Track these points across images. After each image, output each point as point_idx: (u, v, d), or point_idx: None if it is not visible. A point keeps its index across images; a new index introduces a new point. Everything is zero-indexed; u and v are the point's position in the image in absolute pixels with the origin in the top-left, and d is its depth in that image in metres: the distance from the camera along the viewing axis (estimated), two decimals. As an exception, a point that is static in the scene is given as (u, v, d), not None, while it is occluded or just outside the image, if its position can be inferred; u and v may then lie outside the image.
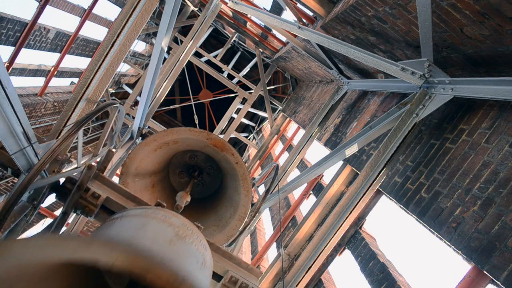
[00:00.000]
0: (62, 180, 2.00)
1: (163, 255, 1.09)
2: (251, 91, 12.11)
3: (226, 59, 14.78)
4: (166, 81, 5.82)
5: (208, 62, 12.51)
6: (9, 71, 6.74)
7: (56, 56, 8.18)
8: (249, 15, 9.24)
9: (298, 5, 6.12)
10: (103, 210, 2.15)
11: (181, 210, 2.55)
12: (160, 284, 0.75)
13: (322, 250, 3.13)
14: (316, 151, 65.01)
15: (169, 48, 10.95)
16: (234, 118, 12.87)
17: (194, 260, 1.28)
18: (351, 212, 3.05)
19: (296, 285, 3.22)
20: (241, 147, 16.26)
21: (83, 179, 1.94)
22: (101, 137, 2.34)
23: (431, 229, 2.59)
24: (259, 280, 2.31)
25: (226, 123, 12.71)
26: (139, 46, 13.23)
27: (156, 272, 0.75)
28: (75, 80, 10.15)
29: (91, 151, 11.36)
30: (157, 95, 5.90)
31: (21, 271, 0.82)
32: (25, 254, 0.76)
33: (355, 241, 3.86)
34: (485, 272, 2.05)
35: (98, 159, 2.47)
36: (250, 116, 15.75)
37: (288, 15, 5.85)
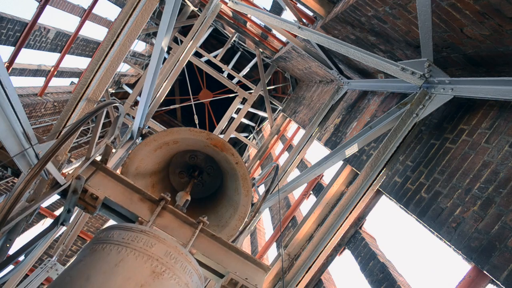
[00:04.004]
0: (61, 181, 2.00)
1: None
2: (251, 91, 12.11)
3: (226, 59, 14.77)
4: (166, 81, 5.81)
5: (208, 62, 12.51)
6: (9, 71, 6.74)
7: (56, 56, 8.18)
8: (249, 15, 9.24)
9: (298, 5, 6.12)
10: (104, 206, 2.16)
11: (181, 207, 2.55)
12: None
13: (322, 250, 3.13)
14: (316, 151, 65.02)
15: (169, 48, 10.95)
16: (234, 118, 12.87)
17: None
18: (351, 212, 3.05)
19: (296, 285, 3.22)
20: (241, 147, 16.26)
21: (76, 187, 1.95)
22: (91, 140, 2.35)
23: (431, 229, 2.59)
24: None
25: (226, 123, 12.71)
26: (139, 46, 13.23)
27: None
28: (75, 80, 10.15)
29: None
30: (157, 95, 5.90)
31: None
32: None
33: (355, 241, 3.85)
34: (485, 272, 2.05)
35: (98, 158, 2.47)
36: (250, 116, 15.75)
37: (288, 15, 5.85)
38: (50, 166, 1.91)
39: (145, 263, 1.36)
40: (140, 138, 5.67)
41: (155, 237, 1.52)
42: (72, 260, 6.98)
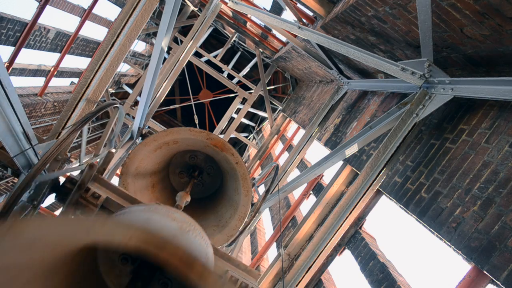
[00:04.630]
0: (62, 180, 2.00)
1: (174, 239, 1.12)
2: (251, 91, 12.11)
3: (226, 59, 14.77)
4: (166, 81, 5.82)
5: (208, 62, 12.51)
6: (9, 71, 6.74)
7: (56, 56, 8.18)
8: (249, 15, 9.24)
9: (298, 5, 6.12)
10: (103, 210, 2.15)
11: (181, 209, 2.55)
12: (174, 262, 0.77)
13: (322, 250, 3.13)
14: (316, 151, 65.04)
15: (169, 48, 10.95)
16: (234, 118, 12.87)
17: (198, 253, 1.31)
18: (351, 212, 3.05)
19: (296, 285, 3.22)
20: (241, 147, 16.26)
21: (84, 177, 1.94)
22: (102, 136, 2.35)
23: (431, 229, 2.59)
24: (258, 282, 2.32)
25: (226, 123, 12.71)
26: (139, 46, 13.23)
27: (170, 250, 0.77)
28: (75, 80, 10.15)
29: (91, 151, 11.36)
30: (157, 95, 5.90)
31: (32, 253, 0.84)
32: (40, 233, 0.78)
33: (355, 241, 3.86)
34: (485, 272, 2.05)
35: (98, 160, 2.48)
36: (250, 116, 15.75)
37: (288, 15, 5.85)
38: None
39: (171, 222, 1.39)
40: (140, 138, 5.67)
41: (172, 209, 1.55)
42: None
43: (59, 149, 1.65)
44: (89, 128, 11.47)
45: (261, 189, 7.91)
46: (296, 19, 5.73)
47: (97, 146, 2.35)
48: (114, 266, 1.58)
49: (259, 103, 15.18)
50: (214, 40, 15.42)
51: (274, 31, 9.80)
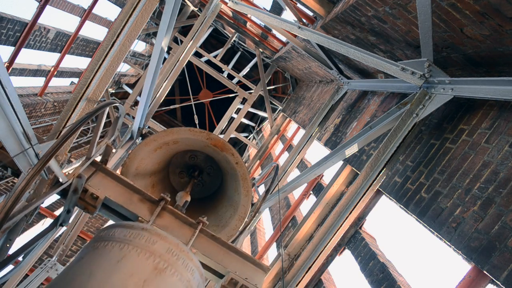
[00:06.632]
0: (62, 180, 2.00)
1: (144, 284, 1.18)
2: (251, 91, 12.11)
3: (226, 59, 14.77)
4: (166, 81, 5.81)
5: (208, 62, 12.51)
6: (9, 71, 6.74)
7: (56, 56, 8.18)
8: (249, 15, 9.24)
9: (298, 5, 6.12)
10: (104, 207, 2.16)
11: (181, 209, 2.55)
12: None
13: (322, 250, 3.13)
14: (316, 151, 65.04)
15: (169, 48, 10.95)
16: (234, 118, 12.87)
17: None
18: (351, 212, 3.05)
19: (296, 285, 3.22)
20: (241, 147, 16.26)
21: (77, 186, 1.95)
22: (92, 140, 2.35)
23: (431, 229, 2.59)
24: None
25: (226, 123, 12.71)
26: (139, 46, 13.23)
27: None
28: (75, 80, 10.15)
29: (91, 151, 11.34)
30: (157, 95, 5.89)
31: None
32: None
33: (355, 241, 3.85)
34: (485, 272, 2.05)
35: (98, 158, 2.48)
36: (250, 116, 15.75)
37: (288, 15, 5.85)
38: (52, 164, 1.91)
39: (147, 259, 1.37)
40: (140, 138, 5.67)
41: (156, 235, 1.52)
42: (72, 259, 6.98)
43: (59, 149, 1.65)
44: (88, 128, 11.47)
45: (261, 189, 7.91)
46: (296, 19, 5.73)
47: (89, 149, 2.35)
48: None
49: (259, 103, 15.18)
50: (214, 40, 15.42)
51: (274, 31, 9.80)
